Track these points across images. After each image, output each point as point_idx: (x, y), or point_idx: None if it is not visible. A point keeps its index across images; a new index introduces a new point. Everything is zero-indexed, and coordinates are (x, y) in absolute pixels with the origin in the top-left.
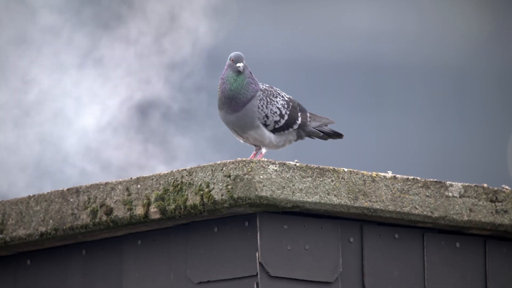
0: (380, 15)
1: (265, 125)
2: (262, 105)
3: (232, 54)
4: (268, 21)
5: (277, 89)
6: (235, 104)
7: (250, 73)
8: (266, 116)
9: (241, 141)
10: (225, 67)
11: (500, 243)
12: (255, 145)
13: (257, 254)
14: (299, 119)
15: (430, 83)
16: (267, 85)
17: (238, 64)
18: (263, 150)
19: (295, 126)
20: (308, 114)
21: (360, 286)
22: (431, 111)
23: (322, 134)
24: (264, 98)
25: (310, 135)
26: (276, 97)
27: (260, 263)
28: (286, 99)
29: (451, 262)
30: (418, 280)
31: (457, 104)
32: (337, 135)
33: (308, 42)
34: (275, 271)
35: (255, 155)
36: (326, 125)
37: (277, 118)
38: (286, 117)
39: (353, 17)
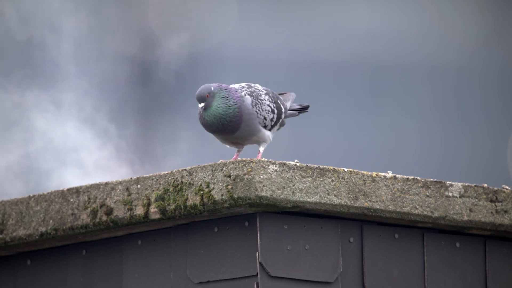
0: (380, 15)
1: (264, 126)
2: (258, 110)
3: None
4: (268, 21)
5: (254, 85)
6: (229, 128)
7: (222, 89)
8: (264, 118)
9: (228, 146)
10: None
11: (500, 243)
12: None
13: (257, 254)
14: (282, 107)
15: (430, 83)
16: (245, 85)
17: (199, 105)
18: (261, 149)
19: (283, 116)
20: (281, 98)
21: (360, 286)
22: (431, 111)
23: (297, 113)
24: (258, 102)
25: (288, 118)
26: (261, 95)
27: (260, 263)
28: (266, 92)
29: (451, 262)
30: (418, 280)
31: (457, 104)
32: (304, 108)
33: (308, 42)
34: (275, 271)
35: (237, 156)
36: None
37: (271, 116)
38: (276, 110)
39: (353, 17)
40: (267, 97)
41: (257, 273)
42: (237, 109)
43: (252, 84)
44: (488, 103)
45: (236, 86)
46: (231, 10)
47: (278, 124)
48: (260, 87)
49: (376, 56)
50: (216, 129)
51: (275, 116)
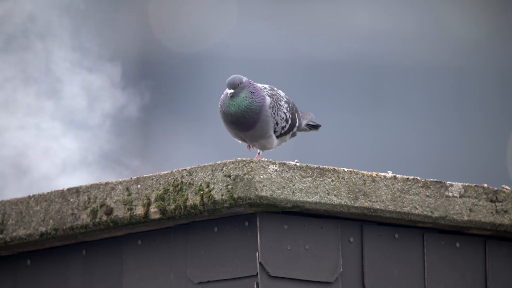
0: (380, 15)
1: (274, 132)
2: (273, 113)
3: (227, 79)
4: (268, 21)
5: (277, 90)
6: (247, 124)
7: (250, 83)
8: (276, 123)
9: (239, 142)
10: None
11: (500, 243)
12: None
13: (257, 254)
14: (297, 121)
15: (430, 83)
16: (268, 86)
17: (228, 91)
18: (260, 152)
19: (295, 129)
20: (300, 113)
21: (360, 286)
22: (431, 111)
23: (308, 130)
24: (275, 104)
25: (299, 131)
26: (281, 101)
27: (260, 263)
28: (287, 100)
29: (451, 262)
30: (418, 280)
31: (457, 104)
32: (315, 127)
33: (308, 42)
34: (275, 271)
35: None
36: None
37: (284, 124)
38: (289, 121)
39: (353, 17)
40: (286, 105)
41: (257, 273)
42: (260, 108)
43: (275, 89)
44: (488, 103)
45: (259, 85)
46: (231, 10)
47: (290, 135)
48: (282, 94)
49: (376, 56)
50: (235, 121)
51: (288, 126)
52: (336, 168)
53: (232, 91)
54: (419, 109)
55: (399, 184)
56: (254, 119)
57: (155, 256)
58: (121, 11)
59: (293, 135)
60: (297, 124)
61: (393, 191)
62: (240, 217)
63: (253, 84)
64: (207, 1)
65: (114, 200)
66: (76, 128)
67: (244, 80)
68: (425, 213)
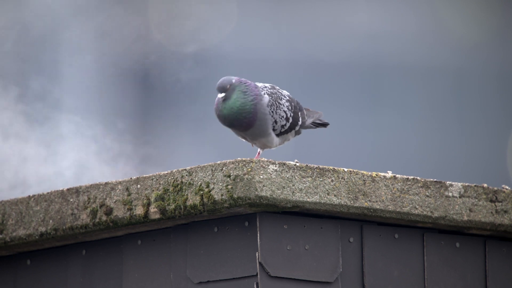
0: (380, 15)
1: (273, 130)
2: (272, 111)
3: (217, 83)
4: (268, 21)
5: (278, 88)
6: (243, 125)
7: (242, 83)
8: (275, 121)
9: (243, 140)
10: None
11: (500, 243)
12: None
13: (257, 254)
14: (300, 119)
15: (430, 83)
16: (269, 85)
17: (219, 95)
18: (260, 150)
19: (297, 128)
20: (305, 112)
21: (360, 286)
22: (431, 111)
23: (314, 127)
24: (274, 103)
25: (304, 129)
26: (282, 99)
27: (260, 263)
28: (289, 99)
29: (451, 262)
30: (418, 280)
31: (457, 104)
32: (323, 125)
33: (308, 42)
34: (275, 271)
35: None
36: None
37: (284, 122)
38: (290, 119)
39: (352, 17)
40: (287, 103)
41: (257, 273)
42: (253, 106)
43: (277, 87)
44: (487, 103)
45: (260, 84)
46: (231, 10)
47: (293, 133)
48: (285, 93)
49: (376, 56)
50: (230, 123)
51: (288, 124)
52: (336, 168)
53: (223, 94)
54: (419, 109)
55: (399, 184)
56: (250, 118)
57: (155, 256)
58: (121, 11)
59: (297, 133)
60: (299, 122)
61: (393, 191)
62: (240, 217)
63: (245, 83)
64: (207, 1)
65: (114, 200)
66: (75, 127)
67: (233, 81)
68: (425, 213)
